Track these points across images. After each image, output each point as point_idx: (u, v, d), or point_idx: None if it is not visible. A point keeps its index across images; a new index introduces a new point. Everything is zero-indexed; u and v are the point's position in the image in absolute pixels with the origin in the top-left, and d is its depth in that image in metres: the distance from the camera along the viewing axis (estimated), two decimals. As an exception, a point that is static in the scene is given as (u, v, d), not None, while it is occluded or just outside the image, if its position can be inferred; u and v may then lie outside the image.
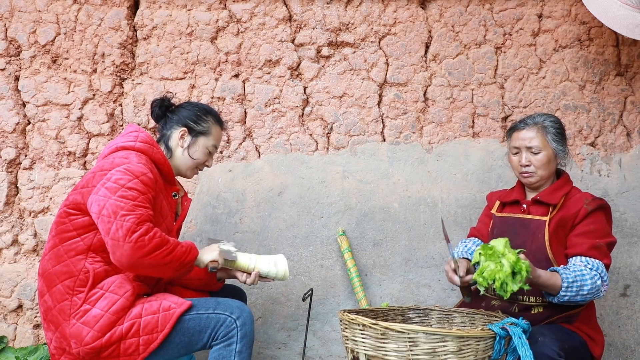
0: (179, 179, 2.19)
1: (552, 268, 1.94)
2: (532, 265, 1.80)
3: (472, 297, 2.00)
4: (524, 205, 2.11)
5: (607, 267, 1.95)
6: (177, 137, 2.04)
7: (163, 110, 2.08)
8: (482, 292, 1.82)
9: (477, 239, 2.28)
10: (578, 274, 1.88)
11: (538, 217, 2.05)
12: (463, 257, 2.15)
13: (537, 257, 2.00)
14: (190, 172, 2.10)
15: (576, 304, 1.95)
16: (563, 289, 1.86)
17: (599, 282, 1.89)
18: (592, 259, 1.93)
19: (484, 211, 2.33)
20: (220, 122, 2.13)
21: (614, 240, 2.01)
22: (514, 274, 1.73)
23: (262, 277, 2.06)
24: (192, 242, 1.88)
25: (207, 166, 2.13)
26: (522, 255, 1.79)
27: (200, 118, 2.06)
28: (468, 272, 1.95)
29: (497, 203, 2.23)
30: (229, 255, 2.00)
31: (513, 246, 2.03)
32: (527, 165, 2.07)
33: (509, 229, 2.10)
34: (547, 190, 2.09)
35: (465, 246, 2.24)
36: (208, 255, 1.91)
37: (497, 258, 1.74)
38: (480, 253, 1.79)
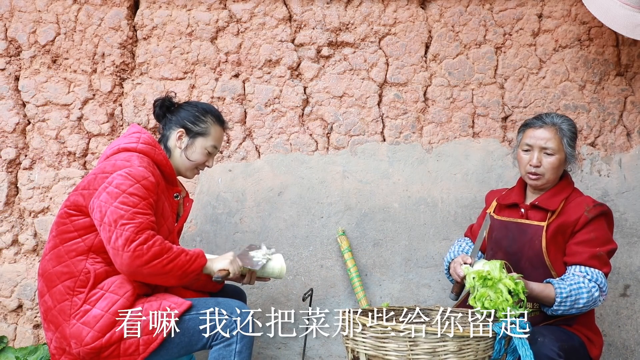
0: (181, 179, 2.19)
1: (547, 280, 1.92)
2: (524, 280, 1.80)
3: (458, 299, 2.02)
4: (522, 210, 2.06)
5: (606, 275, 1.92)
6: (175, 138, 2.02)
7: (164, 110, 2.07)
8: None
9: (470, 240, 2.28)
10: (574, 287, 1.85)
11: (536, 223, 2.00)
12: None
13: (534, 264, 1.98)
14: (190, 172, 2.09)
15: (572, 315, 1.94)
16: (556, 303, 1.85)
17: (596, 293, 1.86)
18: (592, 269, 1.90)
19: (482, 212, 2.30)
20: (220, 122, 2.11)
21: (615, 247, 1.97)
22: (510, 293, 1.73)
23: (258, 278, 2.05)
24: (201, 250, 1.86)
25: (208, 166, 2.11)
26: (514, 274, 1.79)
27: (199, 119, 2.04)
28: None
29: (494, 204, 2.20)
30: (250, 263, 1.97)
31: (511, 252, 2.02)
32: (537, 166, 1.99)
33: (508, 233, 2.06)
34: (546, 194, 2.03)
35: (460, 246, 2.24)
36: (219, 263, 1.88)
37: (495, 285, 1.74)
38: (474, 277, 1.78)
